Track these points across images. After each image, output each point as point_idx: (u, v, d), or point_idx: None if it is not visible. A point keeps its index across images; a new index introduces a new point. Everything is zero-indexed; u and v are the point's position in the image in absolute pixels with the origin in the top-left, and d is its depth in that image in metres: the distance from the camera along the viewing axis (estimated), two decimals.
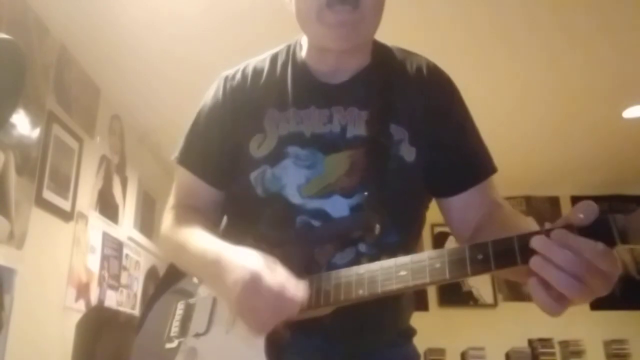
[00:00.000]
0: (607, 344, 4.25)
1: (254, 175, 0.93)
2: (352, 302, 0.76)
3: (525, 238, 0.64)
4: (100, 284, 2.84)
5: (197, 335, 0.88)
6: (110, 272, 2.98)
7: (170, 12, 2.38)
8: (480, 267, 0.66)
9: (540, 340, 4.19)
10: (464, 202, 0.94)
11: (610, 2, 2.37)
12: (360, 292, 0.74)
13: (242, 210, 0.98)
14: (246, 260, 0.79)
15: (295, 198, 0.89)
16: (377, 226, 0.83)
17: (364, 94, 0.95)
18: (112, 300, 3.00)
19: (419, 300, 4.30)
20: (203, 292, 0.93)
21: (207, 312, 0.89)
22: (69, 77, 2.59)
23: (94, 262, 2.78)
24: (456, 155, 0.94)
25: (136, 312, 3.38)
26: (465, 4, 2.37)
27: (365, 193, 0.88)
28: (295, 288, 0.75)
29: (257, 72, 1.01)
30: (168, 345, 0.91)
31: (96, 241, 2.83)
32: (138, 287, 3.46)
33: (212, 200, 1.02)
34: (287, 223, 0.89)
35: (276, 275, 0.76)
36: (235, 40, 2.56)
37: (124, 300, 3.19)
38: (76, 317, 2.48)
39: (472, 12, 2.42)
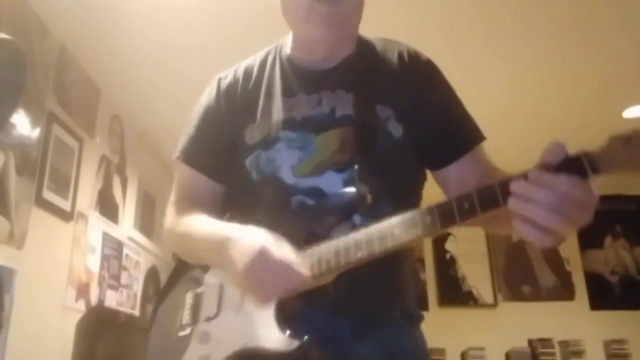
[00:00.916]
0: (607, 344, 4.25)
1: (249, 161, 0.98)
2: (353, 265, 0.80)
3: (506, 183, 0.70)
4: (100, 284, 2.84)
5: (208, 319, 0.93)
6: (110, 272, 2.98)
7: (170, 12, 2.38)
8: (468, 213, 0.73)
9: (540, 340, 4.19)
10: (458, 172, 0.98)
11: (608, 2, 2.38)
12: (359, 254, 0.79)
13: (240, 198, 1.02)
14: (254, 236, 0.84)
15: (289, 178, 0.93)
16: (369, 195, 0.88)
17: (349, 78, 1.00)
18: (112, 300, 3.00)
19: (419, 300, 4.30)
20: (210, 280, 0.97)
21: (216, 297, 0.93)
22: (69, 77, 2.59)
23: (94, 262, 2.78)
24: (443, 127, 0.99)
25: (136, 312, 3.38)
26: (458, 6, 2.38)
27: (356, 166, 0.91)
28: (301, 264, 0.81)
29: (247, 71, 1.08)
30: (181, 334, 0.96)
31: (96, 241, 2.83)
32: (138, 287, 3.46)
33: (213, 194, 1.06)
34: (283, 204, 0.93)
35: (284, 250, 0.82)
36: (236, 38, 2.56)
37: (124, 300, 3.18)
38: (76, 317, 2.48)
39: (470, 11, 2.43)
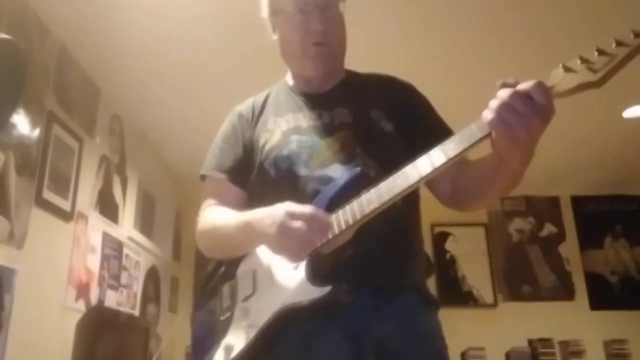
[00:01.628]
0: (607, 344, 4.25)
1: (267, 162, 1.14)
2: (368, 217, 0.94)
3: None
4: (100, 284, 2.84)
5: (246, 298, 1.06)
6: (110, 272, 2.98)
7: (171, 13, 2.38)
8: (455, 152, 0.88)
9: (540, 340, 4.19)
10: None
11: (608, 2, 2.38)
12: (372, 206, 0.93)
13: (262, 193, 1.15)
14: (276, 206, 0.98)
15: (302, 170, 1.09)
16: (372, 171, 1.04)
17: (343, 96, 1.21)
18: (112, 300, 3.00)
19: None
20: (242, 271, 1.10)
21: (251, 280, 1.07)
22: (69, 77, 2.59)
23: (94, 262, 2.78)
24: (426, 126, 1.17)
25: (136, 312, 3.38)
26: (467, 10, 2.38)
27: (358, 148, 1.09)
28: (322, 213, 0.96)
29: (257, 101, 1.29)
30: (223, 317, 1.08)
31: (96, 241, 2.83)
32: (138, 287, 3.46)
33: (239, 200, 1.20)
34: (300, 191, 1.07)
35: (303, 206, 0.96)
36: (235, 42, 2.57)
37: (124, 300, 3.19)
38: (76, 317, 2.48)
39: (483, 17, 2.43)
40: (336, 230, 0.96)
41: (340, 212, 0.97)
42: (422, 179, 0.91)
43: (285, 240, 0.95)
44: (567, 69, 0.83)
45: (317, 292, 0.94)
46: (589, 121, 3.52)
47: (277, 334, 0.99)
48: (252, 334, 0.99)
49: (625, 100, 3.30)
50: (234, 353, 1.01)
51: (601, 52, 0.80)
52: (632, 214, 4.73)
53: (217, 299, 1.12)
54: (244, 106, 1.29)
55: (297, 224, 0.93)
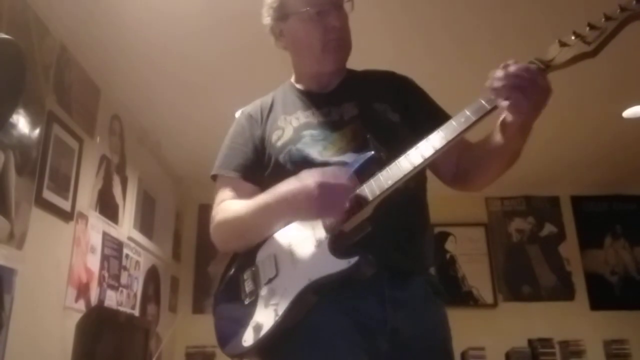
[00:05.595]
0: (607, 344, 4.25)
1: (282, 157, 1.17)
2: (386, 192, 0.99)
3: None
4: (100, 284, 2.84)
5: (270, 280, 1.07)
6: (110, 272, 2.98)
7: (170, 12, 2.39)
8: (466, 124, 0.97)
9: (540, 340, 4.19)
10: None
11: (608, 3, 2.38)
12: (390, 182, 0.99)
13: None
14: (300, 178, 1.02)
15: (318, 160, 1.13)
16: (383, 155, 1.06)
17: (348, 92, 1.26)
18: (112, 300, 3.00)
19: None
20: (262, 257, 1.11)
21: (272, 263, 1.08)
22: (69, 77, 2.59)
23: (94, 262, 2.78)
24: (428, 114, 1.22)
25: (136, 312, 3.38)
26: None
27: (368, 135, 1.12)
28: (345, 173, 1.02)
29: (265, 102, 1.32)
30: (247, 301, 1.09)
31: (96, 241, 2.83)
32: (138, 287, 3.46)
33: (253, 196, 1.18)
34: None
35: (329, 169, 1.02)
36: (235, 41, 2.57)
37: (124, 300, 3.19)
38: (76, 317, 2.49)
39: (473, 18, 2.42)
40: (360, 205, 0.99)
41: (358, 191, 1.01)
42: (437, 151, 0.97)
43: (325, 212, 1.01)
44: (563, 44, 0.92)
45: (344, 264, 0.98)
46: (589, 121, 3.52)
47: (305, 309, 1.02)
48: (281, 311, 1.02)
49: (625, 100, 3.30)
50: (264, 331, 1.03)
51: (592, 27, 0.90)
52: (632, 213, 4.74)
53: (238, 286, 1.13)
54: (252, 107, 1.33)
55: (333, 197, 0.98)
